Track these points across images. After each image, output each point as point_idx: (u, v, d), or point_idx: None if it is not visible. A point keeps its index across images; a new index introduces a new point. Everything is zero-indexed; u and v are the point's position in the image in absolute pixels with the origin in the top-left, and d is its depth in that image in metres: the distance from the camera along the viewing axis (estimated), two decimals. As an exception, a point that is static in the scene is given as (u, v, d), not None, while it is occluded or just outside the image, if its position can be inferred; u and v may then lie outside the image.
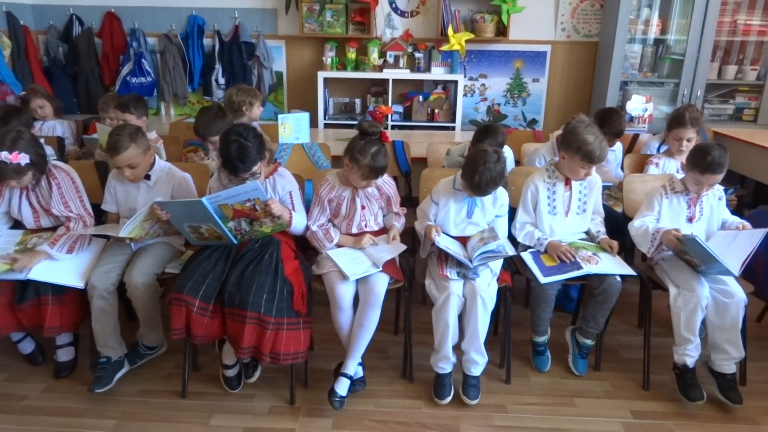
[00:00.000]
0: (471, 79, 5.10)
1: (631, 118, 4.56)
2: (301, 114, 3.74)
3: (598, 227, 2.71)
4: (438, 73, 4.87)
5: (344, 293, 2.35)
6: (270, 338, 2.23)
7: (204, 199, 2.24)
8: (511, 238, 2.68)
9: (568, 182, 2.64)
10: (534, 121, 4.99)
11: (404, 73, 4.84)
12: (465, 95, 5.12)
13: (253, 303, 2.19)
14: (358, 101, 5.06)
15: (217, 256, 2.36)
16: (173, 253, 2.60)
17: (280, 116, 3.64)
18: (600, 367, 2.72)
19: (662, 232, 2.45)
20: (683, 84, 4.60)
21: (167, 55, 5.07)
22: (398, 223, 2.63)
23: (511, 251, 2.42)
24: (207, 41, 5.13)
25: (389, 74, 4.79)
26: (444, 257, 2.45)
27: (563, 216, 2.67)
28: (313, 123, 4.94)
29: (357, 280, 2.39)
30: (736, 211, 3.25)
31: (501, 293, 2.47)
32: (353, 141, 2.39)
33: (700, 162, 2.41)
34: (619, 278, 2.47)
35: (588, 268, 2.44)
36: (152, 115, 5.26)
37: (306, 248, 2.65)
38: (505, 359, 2.64)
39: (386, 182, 2.57)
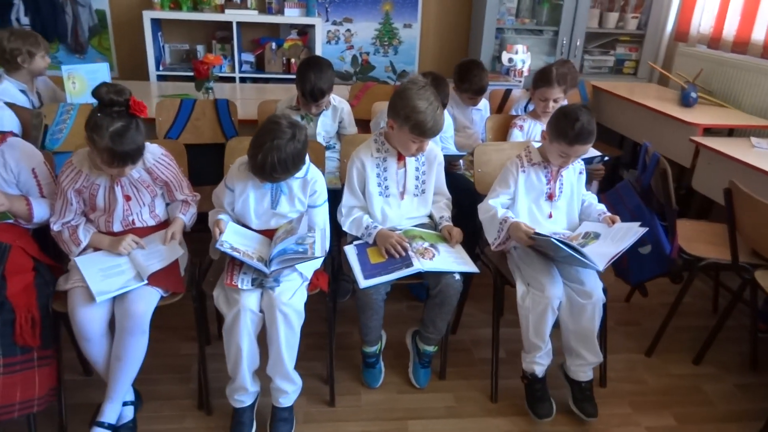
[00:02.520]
0: (334, 23, 4.43)
1: (507, 71, 4.13)
2: (97, 65, 2.97)
3: (442, 211, 2.22)
4: (293, 15, 4.16)
5: (89, 320, 1.73)
6: None
7: None
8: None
9: (401, 157, 2.12)
10: (405, 73, 4.44)
11: (251, 15, 4.09)
12: (328, 42, 4.46)
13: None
14: (200, 48, 4.26)
15: None
16: None
17: (65, 68, 2.85)
18: (446, 375, 2.29)
19: (510, 224, 2.01)
20: (562, 32, 4.18)
21: (-53, -14, 3.99)
22: (184, 216, 2.01)
23: (319, 250, 1.88)
24: (1, -31, 4.09)
25: (233, 15, 4.02)
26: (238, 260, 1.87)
27: (397, 198, 2.16)
28: (143, 75, 4.13)
29: (114, 298, 1.77)
30: (606, 180, 2.90)
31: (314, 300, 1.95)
32: (91, 114, 1.72)
33: (567, 131, 1.95)
34: (458, 276, 2.01)
35: (419, 265, 1.95)
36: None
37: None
38: (329, 376, 2.15)
39: (160, 162, 1.93)
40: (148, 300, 1.77)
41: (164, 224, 2.01)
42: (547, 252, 2.01)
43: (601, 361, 2.09)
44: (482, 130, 3.09)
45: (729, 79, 3.59)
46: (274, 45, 4.19)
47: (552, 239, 1.86)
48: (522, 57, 4.09)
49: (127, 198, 1.90)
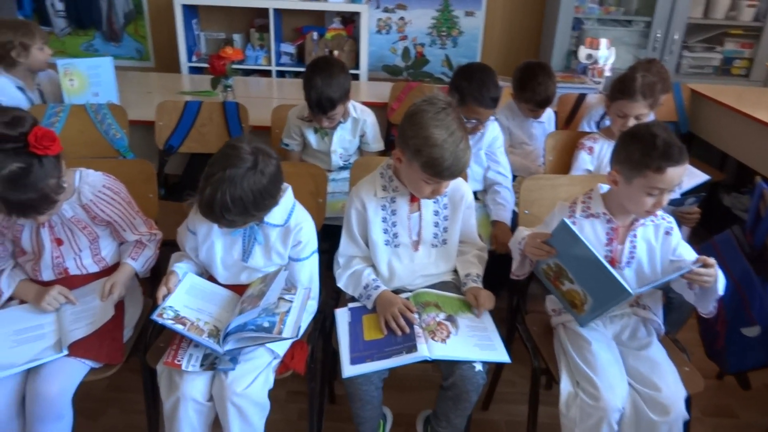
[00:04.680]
0: (386, 10, 3.91)
1: (584, 69, 3.47)
2: (99, 59, 2.63)
3: (470, 267, 1.69)
4: (337, 1, 3.68)
5: (-17, 399, 1.37)
6: None
7: None
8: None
9: (415, 197, 1.61)
10: (462, 69, 3.86)
11: (290, 1, 3.65)
12: (378, 32, 3.95)
13: None
14: (237, 37, 3.88)
15: None
16: None
17: (61, 63, 2.54)
18: (466, 474, 1.78)
19: (527, 236, 1.51)
20: (656, 23, 3.45)
21: (-15, -30, 3.83)
22: (135, 261, 1.60)
23: (291, 328, 1.41)
24: (36, -47, 3.88)
25: (270, 1, 3.60)
26: (186, 330, 1.45)
27: (410, 249, 1.65)
28: (174, 67, 3.81)
29: (28, 371, 1.40)
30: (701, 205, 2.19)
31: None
32: None
33: (650, 155, 1.39)
34: (480, 367, 1.48)
35: (424, 351, 1.44)
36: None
37: None
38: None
39: (101, 197, 1.52)
40: (66, 377, 1.39)
41: (114, 269, 1.61)
42: (569, 293, 1.48)
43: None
44: (543, 148, 2.50)
45: None
46: (315, 35, 3.74)
47: (570, 228, 1.36)
48: (604, 53, 3.41)
49: (58, 242, 1.51)
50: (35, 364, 1.37)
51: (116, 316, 1.52)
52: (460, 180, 1.63)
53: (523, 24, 3.93)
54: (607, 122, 2.39)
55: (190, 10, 3.75)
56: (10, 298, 1.53)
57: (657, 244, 1.54)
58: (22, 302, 1.53)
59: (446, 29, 3.94)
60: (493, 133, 2.30)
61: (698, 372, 1.56)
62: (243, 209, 1.34)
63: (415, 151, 1.43)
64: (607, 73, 3.32)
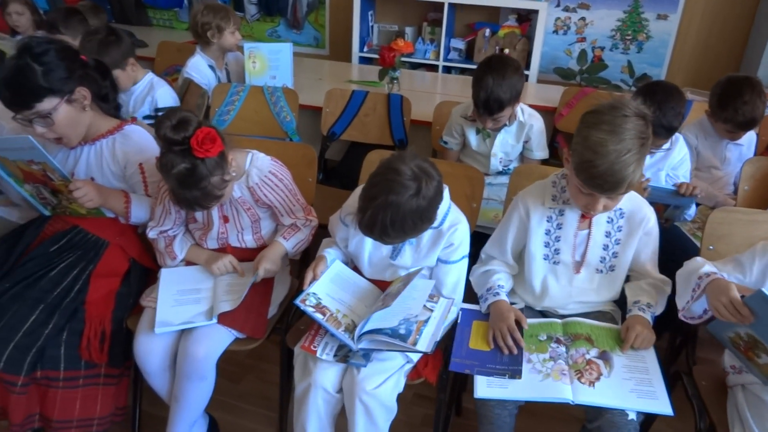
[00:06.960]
0: (567, 9, 3.67)
1: (799, 87, 2.95)
2: (280, 45, 2.77)
3: (640, 293, 1.47)
4: (515, -3, 3.52)
5: (146, 351, 1.49)
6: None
7: None
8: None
9: (586, 214, 1.45)
10: (645, 77, 3.49)
11: (467, -5, 3.56)
12: (555, 32, 3.72)
13: None
14: (409, 30, 3.89)
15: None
16: None
17: (247, 46, 2.72)
18: None
19: (712, 280, 1.27)
20: None
21: (195, -40, 4.26)
22: (286, 241, 1.64)
23: (426, 341, 1.35)
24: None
25: (447, -5, 3.54)
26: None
27: (570, 270, 1.50)
28: (346, 56, 3.92)
29: (181, 331, 1.50)
30: None
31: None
32: (161, 147, 1.41)
33: None
34: (632, 415, 1.30)
35: (568, 393, 1.29)
36: (185, 31, 4.54)
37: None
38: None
39: (266, 182, 1.57)
40: (213, 342, 1.46)
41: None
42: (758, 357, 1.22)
43: None
44: (737, 175, 2.16)
45: None
46: (488, 31, 3.62)
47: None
48: (829, 70, 2.89)
49: (225, 219, 1.60)
50: (189, 326, 1.46)
51: (264, 293, 1.58)
52: (643, 201, 1.45)
53: (725, 30, 3.45)
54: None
55: (367, 1, 3.84)
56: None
57: None
58: (187, 263, 1.65)
59: (632, 33, 3.60)
60: (680, 153, 2.02)
61: None
62: (402, 233, 1.32)
63: (573, 150, 1.30)
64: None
